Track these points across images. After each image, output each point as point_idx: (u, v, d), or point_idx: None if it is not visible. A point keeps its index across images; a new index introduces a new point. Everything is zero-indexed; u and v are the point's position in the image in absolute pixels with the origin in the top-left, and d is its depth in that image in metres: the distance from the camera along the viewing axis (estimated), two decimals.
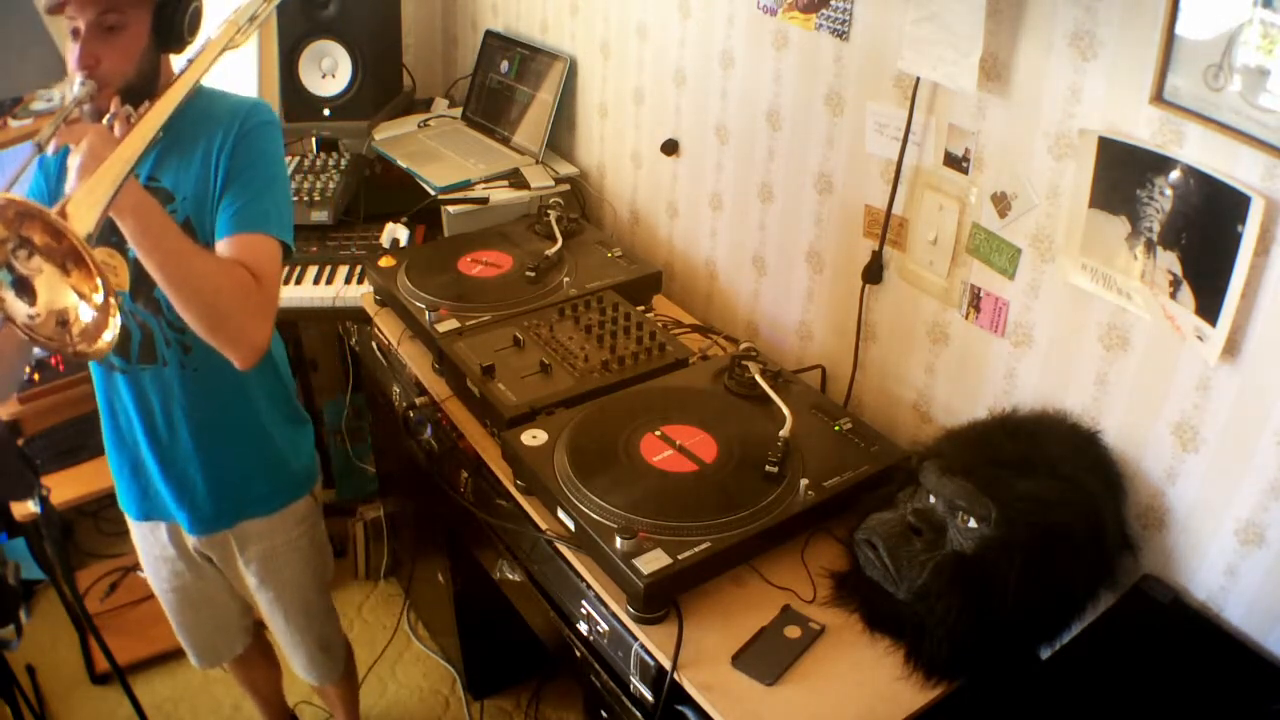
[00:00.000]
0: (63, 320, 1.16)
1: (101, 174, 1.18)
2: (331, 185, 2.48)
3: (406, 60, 2.96)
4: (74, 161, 1.28)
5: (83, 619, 2.10)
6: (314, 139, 2.78)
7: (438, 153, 2.56)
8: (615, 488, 1.45)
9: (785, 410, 1.59)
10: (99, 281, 1.12)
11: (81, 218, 1.12)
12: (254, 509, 1.77)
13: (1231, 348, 1.24)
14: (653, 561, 1.33)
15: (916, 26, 1.51)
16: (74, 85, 1.39)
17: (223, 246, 1.47)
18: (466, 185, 2.39)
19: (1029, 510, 1.27)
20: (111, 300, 1.13)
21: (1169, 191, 1.25)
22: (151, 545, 1.83)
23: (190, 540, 1.79)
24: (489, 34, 2.76)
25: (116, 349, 1.57)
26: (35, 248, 1.13)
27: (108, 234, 1.44)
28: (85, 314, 1.15)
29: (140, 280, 1.48)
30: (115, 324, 1.14)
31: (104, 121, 1.36)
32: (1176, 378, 1.33)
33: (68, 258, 1.13)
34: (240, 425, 1.69)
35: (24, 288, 1.16)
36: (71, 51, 1.40)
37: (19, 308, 1.16)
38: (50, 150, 1.31)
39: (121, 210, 1.29)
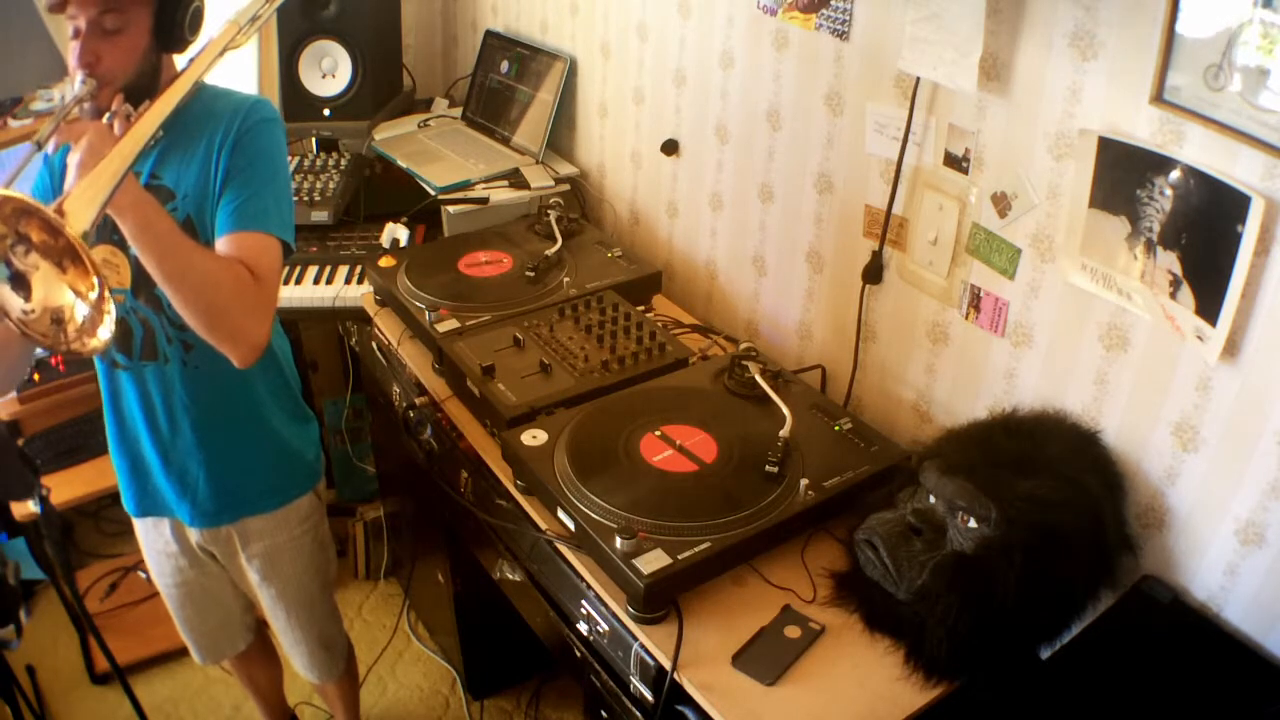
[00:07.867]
0: (58, 318, 1.16)
1: (99, 171, 1.18)
2: (331, 185, 2.48)
3: (406, 60, 2.96)
4: (74, 159, 1.28)
5: (83, 619, 2.10)
6: (314, 139, 2.78)
7: (438, 153, 2.56)
8: (615, 488, 1.45)
9: (785, 410, 1.59)
10: (95, 280, 1.12)
11: (78, 215, 1.12)
12: (256, 506, 1.77)
13: (1231, 348, 1.24)
14: (653, 561, 1.33)
15: (916, 26, 1.51)
16: (75, 83, 1.39)
17: (222, 244, 1.47)
18: (466, 185, 2.39)
19: (1029, 510, 1.27)
20: (107, 299, 1.13)
21: (1169, 191, 1.25)
22: (154, 540, 1.84)
23: (193, 536, 1.79)
24: (489, 34, 2.76)
25: (119, 345, 1.58)
26: (33, 244, 1.13)
27: (109, 232, 1.44)
28: (80, 312, 1.15)
29: (142, 277, 1.48)
30: (110, 323, 1.14)
31: (104, 119, 1.36)
32: (1176, 378, 1.33)
33: (64, 255, 1.13)
34: (243, 422, 1.69)
35: (20, 283, 1.16)
36: (72, 50, 1.40)
37: (14, 302, 1.16)
38: (50, 148, 1.31)
39: (120, 208, 1.29)
